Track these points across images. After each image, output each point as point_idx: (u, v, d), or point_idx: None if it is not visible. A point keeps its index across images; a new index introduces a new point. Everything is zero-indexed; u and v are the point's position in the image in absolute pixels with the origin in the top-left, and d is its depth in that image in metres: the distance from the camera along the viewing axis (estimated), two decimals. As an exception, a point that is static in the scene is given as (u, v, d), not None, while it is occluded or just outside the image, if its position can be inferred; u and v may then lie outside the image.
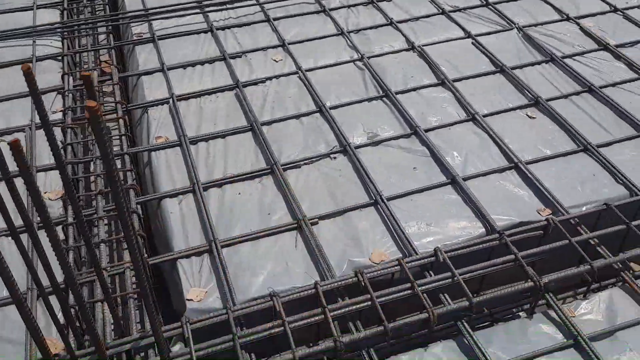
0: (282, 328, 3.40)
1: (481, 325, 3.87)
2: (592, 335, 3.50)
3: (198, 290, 3.83)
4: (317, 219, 4.27)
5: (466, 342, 3.49)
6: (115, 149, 5.29)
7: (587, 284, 3.89)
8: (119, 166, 4.93)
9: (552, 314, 3.66)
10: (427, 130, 5.03)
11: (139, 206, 4.48)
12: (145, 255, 4.05)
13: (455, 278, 3.67)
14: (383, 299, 3.57)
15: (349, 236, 4.16)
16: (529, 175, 4.55)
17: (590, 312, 3.69)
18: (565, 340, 3.50)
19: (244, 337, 3.38)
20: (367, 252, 4.04)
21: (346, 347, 3.34)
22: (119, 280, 4.06)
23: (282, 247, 4.11)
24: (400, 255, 4.00)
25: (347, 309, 3.52)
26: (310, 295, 3.64)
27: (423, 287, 3.64)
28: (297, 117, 5.26)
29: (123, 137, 4.99)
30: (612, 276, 4.04)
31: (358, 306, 3.53)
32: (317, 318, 3.47)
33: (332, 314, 3.48)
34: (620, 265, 3.85)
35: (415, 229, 4.19)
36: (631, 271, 3.86)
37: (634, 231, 4.05)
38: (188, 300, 3.76)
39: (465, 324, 3.56)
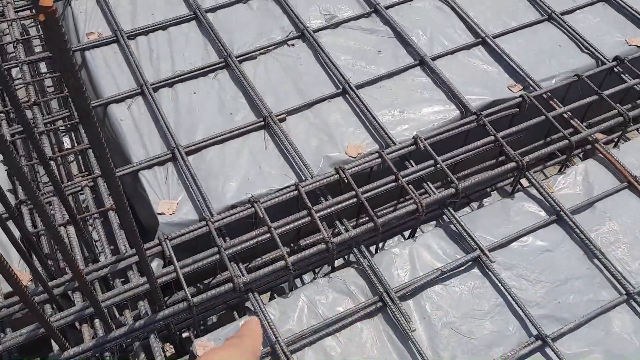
0: (269, 235, 3.23)
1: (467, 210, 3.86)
2: (572, 208, 3.56)
3: (169, 203, 3.55)
4: (284, 115, 3.98)
5: (454, 228, 3.46)
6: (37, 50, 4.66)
7: (563, 159, 3.90)
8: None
9: (533, 191, 3.68)
10: (387, 8, 4.68)
11: (82, 115, 4.00)
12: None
13: (439, 165, 3.57)
14: (369, 194, 3.44)
15: (321, 131, 3.92)
16: (497, 50, 4.37)
17: (567, 186, 3.72)
18: (547, 216, 3.55)
19: (230, 248, 3.20)
20: (342, 146, 3.84)
21: (337, 246, 3.23)
22: (75, 201, 3.70)
23: (251, 148, 3.83)
24: (377, 146, 3.83)
25: (333, 208, 3.37)
26: (291, 198, 3.45)
27: (407, 178, 3.52)
28: (245, 0, 4.74)
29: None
30: (578, 148, 4.07)
31: (344, 204, 3.39)
32: (303, 221, 3.31)
33: (318, 214, 3.33)
34: (594, 137, 3.86)
35: (389, 117, 3.99)
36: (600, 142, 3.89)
37: (597, 101, 4.03)
38: (159, 214, 3.49)
39: (451, 210, 3.52)
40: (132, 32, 4.45)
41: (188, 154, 3.75)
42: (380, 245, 3.66)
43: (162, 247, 3.17)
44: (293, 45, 4.44)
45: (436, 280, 3.26)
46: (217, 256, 3.16)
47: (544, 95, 4.04)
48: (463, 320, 3.14)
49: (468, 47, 4.44)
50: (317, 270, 4.06)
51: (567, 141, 3.73)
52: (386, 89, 4.17)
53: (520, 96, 3.96)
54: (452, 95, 4.09)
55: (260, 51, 4.37)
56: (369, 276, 3.21)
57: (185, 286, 3.00)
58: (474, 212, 3.64)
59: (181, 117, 3.98)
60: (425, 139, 3.69)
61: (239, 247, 3.20)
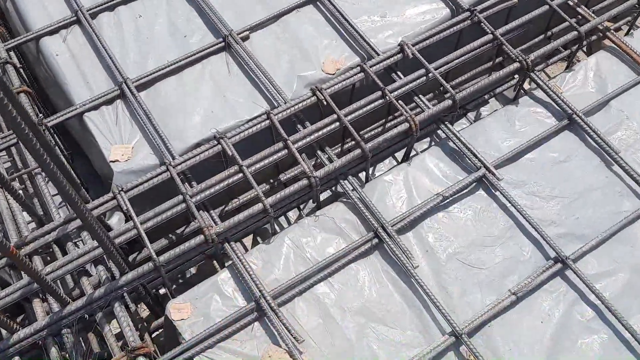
0: (241, 175, 2.78)
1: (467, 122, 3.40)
2: (585, 109, 3.11)
3: (122, 148, 3.06)
4: (247, 32, 3.41)
5: (452, 145, 3.02)
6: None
7: (568, 54, 3.41)
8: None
9: (539, 94, 3.21)
10: None
11: (12, 54, 3.43)
12: (41, 115, 3.15)
13: (430, 74, 3.07)
14: (353, 115, 2.96)
15: (292, 47, 3.38)
16: None
17: (578, 85, 3.25)
18: (558, 122, 3.10)
19: (197, 194, 2.75)
20: (318, 62, 3.31)
21: (321, 180, 2.79)
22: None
23: (213, 76, 3.30)
24: (358, 59, 3.31)
25: (312, 136, 2.90)
26: (264, 130, 2.97)
27: (396, 93, 3.03)
28: None
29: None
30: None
31: (325, 130, 2.91)
32: (279, 155, 2.85)
33: (296, 145, 2.86)
34: (604, 25, 3.35)
35: (369, 24, 3.44)
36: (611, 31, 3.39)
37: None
38: (113, 162, 3.01)
39: (448, 125, 3.06)
40: (59, -50, 3.77)
41: (139, 88, 3.22)
42: (370, 172, 3.22)
43: (117, 201, 2.72)
44: (250, -51, 3.79)
45: (437, 207, 2.85)
46: (183, 205, 2.72)
47: (544, -18, 3.48)
48: (471, 249, 2.76)
49: None
50: (302, 206, 3.64)
51: (575, 32, 3.22)
52: (362, -9, 3.59)
53: (519, -15, 3.40)
54: (439, -8, 3.53)
55: (213, -40, 3.73)
56: (361, 210, 2.79)
57: (148, 244, 2.57)
58: (474, 124, 3.18)
59: (127, 46, 3.41)
60: (413, 45, 3.16)
61: (206, 193, 2.75)
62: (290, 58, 3.33)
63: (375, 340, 2.55)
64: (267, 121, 2.94)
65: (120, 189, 2.74)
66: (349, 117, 2.94)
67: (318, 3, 3.53)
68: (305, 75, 3.26)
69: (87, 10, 3.48)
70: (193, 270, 3.60)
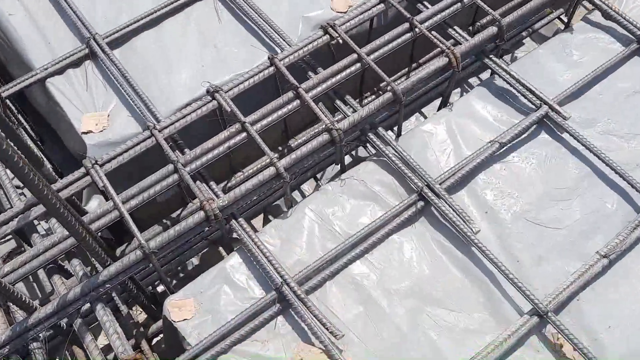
0: (245, 134, 2.20)
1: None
2: (657, 30, 2.56)
3: (96, 117, 2.48)
4: (237, -28, 2.84)
5: (500, 84, 2.46)
6: None
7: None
8: None
9: (595, 18, 2.65)
10: None
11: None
12: (-5, 88, 2.57)
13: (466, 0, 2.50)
14: (377, 53, 2.39)
15: (292, -16, 2.80)
16: None
17: (641, 3, 2.70)
18: (624, 47, 2.54)
19: (191, 162, 2.17)
20: (326, 0, 2.73)
21: (345, 134, 2.22)
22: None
23: (199, 25, 2.72)
24: (373, -9, 2.73)
25: (329, 82, 2.33)
26: (266, 83, 2.39)
27: (427, 24, 2.46)
28: None
29: None
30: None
31: (345, 73, 2.34)
32: (290, 107, 2.27)
33: (310, 94, 2.28)
34: None
35: (383, -50, 2.86)
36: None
37: None
38: (85, 133, 2.43)
39: (494, 59, 2.49)
40: None
41: (112, 46, 2.63)
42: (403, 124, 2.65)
43: (92, 177, 2.14)
44: None
45: (493, 158, 2.29)
46: (175, 176, 2.14)
47: None
48: (541, 205, 2.20)
49: None
50: (319, 177, 3.07)
51: (635, -61, 2.66)
52: None
53: None
54: None
55: None
56: (398, 168, 2.22)
57: (133, 227, 2.00)
58: (522, 59, 2.62)
59: (94, 1, 2.82)
60: (441, -33, 2.59)
61: (203, 160, 2.17)
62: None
63: (434, 328, 1.99)
64: (271, 68, 2.37)
65: (94, 161, 2.16)
66: (372, 56, 2.37)
67: None
68: (312, 16, 2.69)
69: (44, -38, 2.89)
70: (195, 260, 3.01)
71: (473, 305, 2.02)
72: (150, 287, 2.62)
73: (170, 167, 2.15)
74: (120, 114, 2.49)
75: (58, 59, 2.59)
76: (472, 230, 2.06)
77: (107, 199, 2.18)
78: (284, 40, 2.54)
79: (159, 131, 2.23)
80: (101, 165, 2.17)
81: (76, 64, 2.61)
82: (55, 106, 2.57)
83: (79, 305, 1.94)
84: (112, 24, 2.72)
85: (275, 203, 2.80)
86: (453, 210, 2.11)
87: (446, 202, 2.12)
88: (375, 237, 2.13)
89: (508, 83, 2.41)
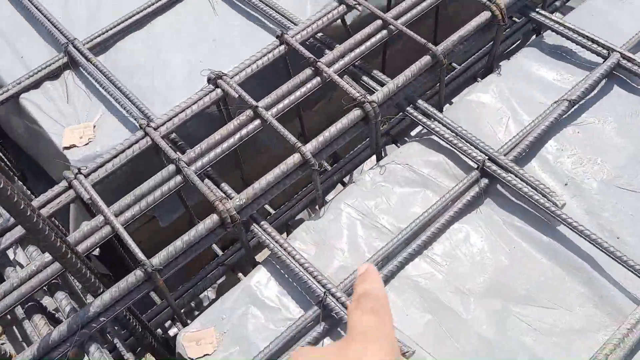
0: (259, 121, 1.80)
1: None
2: None
3: (80, 128, 2.09)
4: (231, -39, 2.51)
5: (554, 39, 2.08)
6: None
7: None
8: None
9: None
10: None
11: None
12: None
13: (499, -50, 2.14)
14: (405, 18, 2.01)
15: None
16: None
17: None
18: (690, -15, 2.17)
19: (197, 160, 1.76)
20: (334, -24, 2.39)
21: (380, 108, 1.81)
22: None
23: (195, 21, 2.38)
24: (387, -38, 2.39)
25: (353, 54, 1.94)
26: (279, 58, 2.01)
27: (457, -20, 2.11)
28: None
29: None
30: None
31: (369, 43, 1.96)
32: (310, 85, 1.88)
33: (333, 68, 1.90)
34: None
35: None
36: None
37: None
38: (67, 149, 2.04)
39: (543, 12, 2.12)
40: None
41: (95, 52, 2.27)
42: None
43: (75, 189, 1.72)
44: None
45: (561, 121, 1.87)
46: (178, 178, 1.73)
47: None
48: (632, 169, 1.77)
49: None
50: (345, 180, 2.65)
51: None
52: None
53: None
54: None
55: None
56: (450, 142, 1.81)
57: (131, 241, 1.57)
58: (576, 10, 2.24)
59: (71, 8, 2.48)
60: None
61: (211, 156, 1.76)
62: (296, -21, 2.42)
63: (528, 332, 1.52)
64: (282, 47, 1.99)
65: (76, 171, 1.75)
66: (401, 20, 1.99)
67: None
68: (320, -3, 2.34)
69: (14, -25, 2.57)
70: (211, 294, 2.55)
71: (573, 298, 1.57)
72: (160, 332, 2.16)
73: (171, 167, 1.74)
74: (109, 123, 2.10)
75: (33, 71, 2.22)
76: (557, 204, 1.63)
77: (92, 213, 1.76)
78: (291, 22, 2.18)
79: (155, 129, 1.83)
80: (86, 176, 1.76)
81: (54, 75, 2.24)
82: (32, 124, 2.18)
83: (66, 349, 1.49)
84: (92, 28, 2.37)
85: (298, 217, 2.37)
86: (527, 183, 1.68)
87: (517, 175, 1.70)
88: (433, 228, 1.69)
89: (564, 36, 2.02)
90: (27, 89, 2.20)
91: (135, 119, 1.97)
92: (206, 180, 1.73)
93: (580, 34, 1.99)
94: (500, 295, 1.59)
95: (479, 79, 2.21)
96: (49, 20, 2.34)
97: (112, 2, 2.47)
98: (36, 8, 2.39)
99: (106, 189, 1.85)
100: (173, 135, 1.91)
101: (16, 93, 2.18)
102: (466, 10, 2.57)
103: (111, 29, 2.31)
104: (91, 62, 2.17)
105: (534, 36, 2.31)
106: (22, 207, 1.12)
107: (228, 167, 2.03)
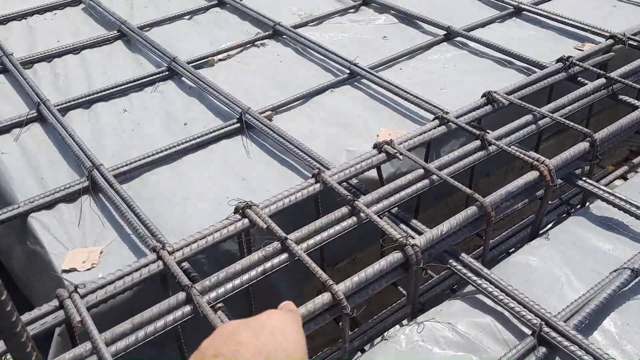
0: (287, 255, 1.61)
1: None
2: None
3: (84, 252, 1.90)
4: (269, 112, 2.54)
5: (602, 209, 1.95)
6: None
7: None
8: None
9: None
10: None
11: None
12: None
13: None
14: (447, 170, 1.93)
15: (330, 123, 2.48)
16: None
17: None
18: None
19: (212, 290, 1.54)
20: (368, 136, 2.38)
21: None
22: None
23: (225, 159, 2.33)
24: (418, 126, 2.39)
25: (392, 198, 1.82)
26: (311, 197, 1.88)
27: (504, 141, 2.06)
28: (189, 16, 3.50)
29: None
30: None
31: (411, 190, 1.85)
32: (346, 224, 1.72)
33: (372, 209, 1.75)
34: None
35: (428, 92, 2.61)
36: None
37: None
38: (66, 272, 1.82)
39: (590, 180, 2.03)
40: (28, 58, 3.04)
41: (120, 180, 2.18)
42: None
43: (66, 312, 1.48)
44: (263, 44, 3.14)
45: (625, 294, 1.66)
46: (188, 308, 1.49)
47: None
48: None
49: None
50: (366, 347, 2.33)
51: None
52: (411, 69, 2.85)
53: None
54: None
55: (219, 56, 3.03)
56: (501, 302, 1.58)
57: (118, 375, 1.28)
58: (623, 185, 2.14)
59: (103, 140, 2.46)
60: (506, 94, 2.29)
61: (228, 287, 1.54)
62: (329, 134, 2.41)
63: None
64: (317, 185, 1.88)
65: (72, 288, 1.52)
66: (448, 169, 1.90)
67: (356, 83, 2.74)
68: (355, 150, 2.30)
69: (56, 106, 2.59)
70: None
71: None
72: None
73: (181, 295, 1.51)
74: (118, 250, 1.92)
75: (49, 192, 2.11)
76: (632, 385, 1.35)
77: (71, 340, 1.48)
78: (326, 168, 2.10)
79: (170, 253, 1.64)
80: (82, 296, 1.53)
81: (71, 198, 2.13)
82: (34, 245, 2.00)
83: None
84: (120, 159, 2.31)
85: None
86: (594, 356, 1.42)
87: (581, 347, 1.44)
88: (482, 402, 1.39)
89: (617, 206, 1.90)
90: (38, 208, 2.06)
91: (148, 247, 1.79)
92: (219, 312, 1.48)
93: (633, 204, 1.87)
94: None
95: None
96: (77, 145, 2.28)
97: (144, 141, 2.44)
98: (69, 135, 2.36)
99: (102, 316, 1.60)
100: (186, 265, 1.71)
101: (25, 211, 2.04)
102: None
103: (139, 160, 2.25)
104: (113, 188, 2.06)
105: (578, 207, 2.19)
106: (14, 321, 0.88)
107: (238, 305, 1.77)
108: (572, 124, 2.05)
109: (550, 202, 2.29)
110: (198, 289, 1.51)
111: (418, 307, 1.76)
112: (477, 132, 2.03)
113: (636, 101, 2.33)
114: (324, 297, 1.47)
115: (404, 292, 1.82)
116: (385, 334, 1.73)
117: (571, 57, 2.48)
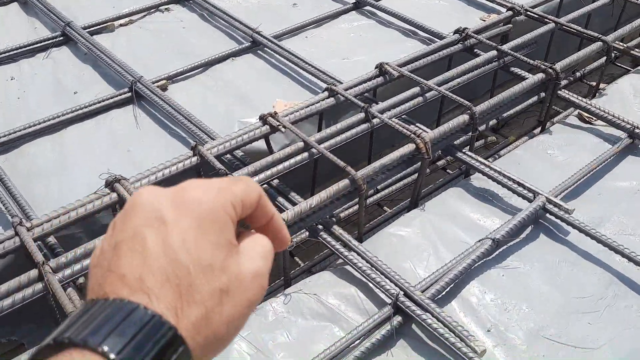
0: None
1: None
2: (645, 129, 2.23)
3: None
4: (164, 81, 2.47)
5: (480, 182, 2.00)
6: None
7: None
8: None
9: (572, 120, 2.34)
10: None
11: None
12: None
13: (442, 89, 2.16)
14: (328, 143, 1.92)
15: (227, 94, 2.43)
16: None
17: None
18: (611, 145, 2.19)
19: (68, 267, 1.50)
20: (264, 106, 2.36)
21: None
22: None
23: (112, 131, 2.26)
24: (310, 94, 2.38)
25: (269, 172, 1.81)
26: (191, 169, 1.85)
27: (387, 114, 2.07)
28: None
29: None
30: None
31: (289, 163, 1.84)
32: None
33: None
34: None
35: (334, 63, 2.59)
36: None
37: None
38: None
39: (469, 153, 2.07)
40: None
41: (-3, 151, 2.09)
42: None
43: None
44: (168, 9, 3.04)
45: (487, 262, 1.71)
46: (39, 285, 1.45)
47: None
48: (561, 320, 1.58)
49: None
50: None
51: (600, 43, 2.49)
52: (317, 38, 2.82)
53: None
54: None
55: (120, 21, 2.92)
56: (364, 273, 1.60)
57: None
58: (500, 158, 2.20)
59: (-15, 107, 2.35)
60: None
61: (84, 264, 1.51)
62: (226, 104, 2.37)
63: None
64: (195, 158, 1.84)
65: None
66: (323, 145, 1.90)
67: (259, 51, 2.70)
68: (247, 122, 2.26)
69: None
70: None
71: None
72: None
73: (33, 273, 1.47)
74: (-14, 225, 1.85)
75: None
76: (475, 350, 1.40)
77: None
78: (211, 138, 2.07)
79: (29, 229, 1.59)
80: None
81: (-59, 170, 2.03)
82: None
83: None
84: (1, 128, 2.21)
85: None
86: (445, 325, 1.47)
87: (434, 315, 1.49)
88: (332, 371, 1.42)
89: (491, 179, 1.95)
90: None
91: (12, 217, 1.73)
92: (69, 290, 1.45)
93: (507, 177, 1.92)
94: None
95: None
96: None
97: (30, 108, 2.35)
98: (-55, 103, 2.24)
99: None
100: (52, 240, 1.66)
101: None
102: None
103: (20, 130, 2.16)
104: (-15, 159, 1.97)
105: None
106: None
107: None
108: (453, 96, 2.07)
109: (451, 172, 2.35)
110: (52, 266, 1.47)
111: (290, 282, 1.77)
112: (362, 105, 2.02)
113: (526, 73, 2.38)
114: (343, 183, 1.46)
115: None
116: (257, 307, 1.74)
117: (467, 28, 2.50)
